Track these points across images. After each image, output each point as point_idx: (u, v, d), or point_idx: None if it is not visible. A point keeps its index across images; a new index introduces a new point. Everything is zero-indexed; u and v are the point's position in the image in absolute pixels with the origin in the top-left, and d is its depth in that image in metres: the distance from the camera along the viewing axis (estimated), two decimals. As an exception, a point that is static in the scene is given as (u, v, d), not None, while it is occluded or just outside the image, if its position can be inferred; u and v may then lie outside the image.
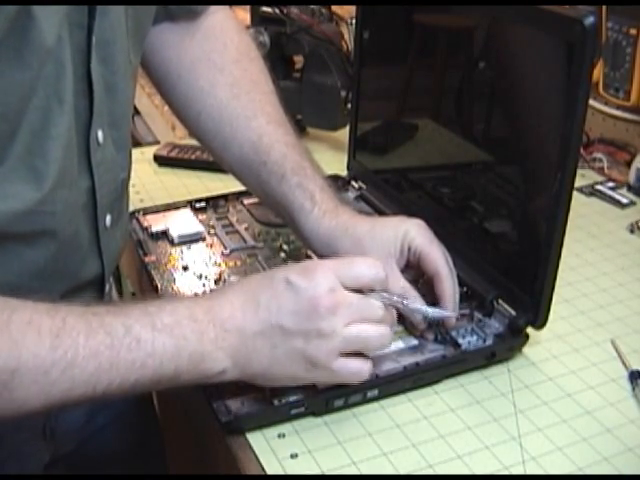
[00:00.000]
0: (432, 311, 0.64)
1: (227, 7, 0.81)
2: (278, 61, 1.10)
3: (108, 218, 0.63)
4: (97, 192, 0.60)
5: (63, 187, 0.56)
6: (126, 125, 0.65)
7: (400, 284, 0.65)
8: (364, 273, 0.58)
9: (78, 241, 0.60)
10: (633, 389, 0.64)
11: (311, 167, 0.72)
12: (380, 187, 0.91)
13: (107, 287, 0.68)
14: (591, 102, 1.05)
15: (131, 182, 0.80)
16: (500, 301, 0.70)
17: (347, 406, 0.61)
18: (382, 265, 0.59)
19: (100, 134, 0.59)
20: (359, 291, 0.58)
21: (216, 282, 0.75)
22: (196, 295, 0.72)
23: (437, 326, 0.68)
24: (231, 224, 0.86)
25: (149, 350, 0.52)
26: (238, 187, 0.95)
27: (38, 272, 0.57)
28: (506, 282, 0.70)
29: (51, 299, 0.56)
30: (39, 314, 0.49)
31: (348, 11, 1.14)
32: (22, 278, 0.56)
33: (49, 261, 0.57)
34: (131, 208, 0.87)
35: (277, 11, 1.08)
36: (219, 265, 0.78)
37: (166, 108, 1.34)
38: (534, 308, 0.66)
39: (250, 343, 0.55)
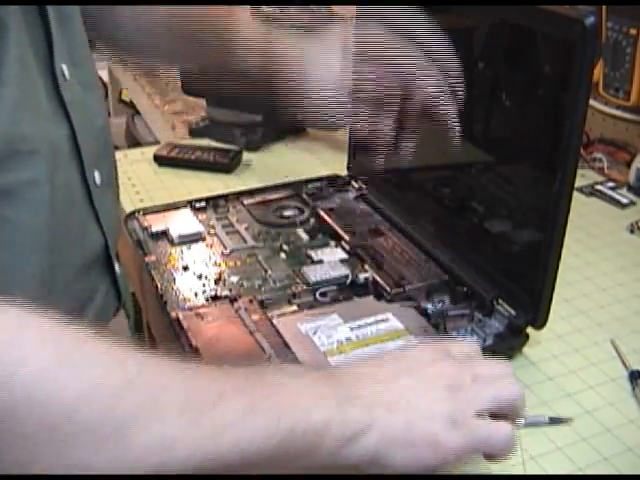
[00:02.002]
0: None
1: None
2: (278, 61, 1.10)
3: (97, 174, 0.62)
4: (78, 137, 0.58)
5: (37, 119, 0.54)
6: (88, 65, 0.63)
7: None
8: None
9: (71, 195, 0.59)
10: (633, 389, 0.64)
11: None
12: (380, 187, 0.91)
13: (117, 268, 0.67)
14: (591, 102, 1.05)
15: (131, 182, 0.81)
16: (500, 301, 0.70)
17: (347, 406, 0.61)
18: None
19: (65, 68, 0.58)
20: None
21: (216, 282, 0.75)
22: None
23: (437, 325, 0.68)
24: (231, 224, 0.86)
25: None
26: (238, 187, 0.96)
27: (40, 242, 0.55)
28: (506, 282, 0.70)
29: (67, 278, 0.55)
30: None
31: (348, 11, 1.14)
32: (30, 253, 0.55)
33: (48, 223, 0.55)
34: (131, 208, 0.88)
35: (277, 11, 1.08)
36: (219, 265, 0.78)
37: (166, 108, 1.35)
38: (534, 308, 0.66)
39: (384, 394, 0.48)
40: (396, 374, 0.50)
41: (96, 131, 0.62)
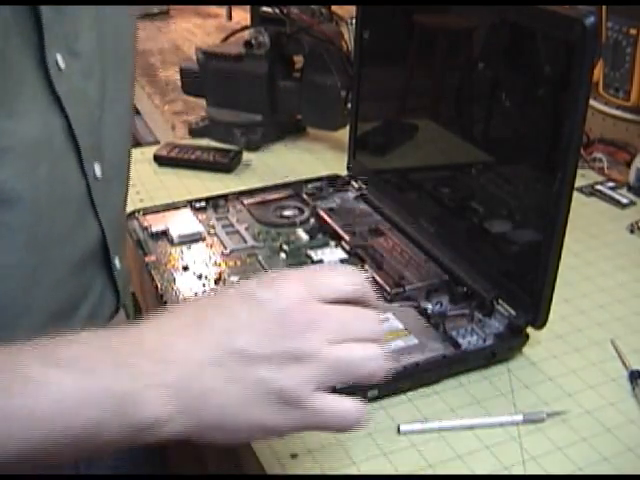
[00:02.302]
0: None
1: None
2: (278, 61, 1.10)
3: (97, 167, 0.59)
4: (75, 130, 0.55)
5: (14, 114, 0.50)
6: (90, 54, 0.58)
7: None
8: (343, 282, 0.45)
9: (64, 189, 0.56)
10: (633, 389, 0.64)
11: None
12: (380, 187, 0.91)
13: (117, 264, 0.64)
14: (591, 102, 1.05)
15: (131, 182, 0.79)
16: (500, 301, 0.70)
17: (347, 406, 0.61)
18: (362, 275, 0.46)
19: (60, 58, 0.54)
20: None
21: (216, 282, 0.75)
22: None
23: (437, 325, 0.68)
24: (231, 224, 0.86)
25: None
26: (238, 187, 0.96)
27: (20, 241, 0.52)
28: (506, 282, 0.70)
29: (56, 276, 0.53)
30: None
31: (348, 11, 1.14)
32: (9, 252, 0.52)
33: (29, 221, 0.52)
34: (131, 208, 0.88)
35: (277, 11, 1.08)
36: (219, 265, 0.78)
37: (166, 107, 1.35)
38: (534, 308, 0.66)
39: (199, 377, 0.41)
40: (223, 343, 0.42)
41: (93, 121, 0.59)
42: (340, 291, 0.45)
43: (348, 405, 0.44)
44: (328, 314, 0.44)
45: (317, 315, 0.43)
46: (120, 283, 0.67)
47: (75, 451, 0.41)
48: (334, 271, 0.46)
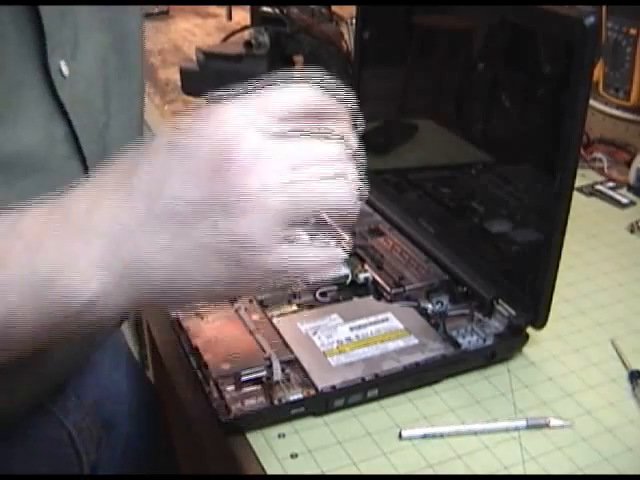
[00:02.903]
0: None
1: None
2: (278, 61, 1.10)
3: None
4: (80, 137, 0.53)
5: (17, 123, 0.49)
6: (92, 61, 0.56)
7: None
8: (292, 96, 0.39)
9: None
10: (633, 389, 0.64)
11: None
12: (380, 187, 0.91)
13: None
14: (591, 102, 1.05)
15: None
16: (500, 301, 0.70)
17: (347, 406, 0.61)
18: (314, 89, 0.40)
19: (63, 65, 0.52)
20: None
21: (216, 282, 0.75)
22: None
23: (437, 325, 0.68)
24: (231, 224, 0.86)
25: None
26: (238, 187, 0.95)
27: None
28: (506, 282, 0.70)
29: None
30: None
31: (348, 11, 1.14)
32: None
33: None
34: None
35: (277, 11, 1.08)
36: (219, 265, 0.78)
37: (166, 108, 1.35)
38: (534, 308, 0.66)
39: (130, 242, 0.37)
40: (154, 198, 0.37)
41: (98, 129, 0.58)
42: (290, 105, 0.39)
43: (318, 251, 0.39)
44: (275, 141, 0.38)
45: (260, 145, 0.37)
46: None
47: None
48: (280, 88, 0.39)
